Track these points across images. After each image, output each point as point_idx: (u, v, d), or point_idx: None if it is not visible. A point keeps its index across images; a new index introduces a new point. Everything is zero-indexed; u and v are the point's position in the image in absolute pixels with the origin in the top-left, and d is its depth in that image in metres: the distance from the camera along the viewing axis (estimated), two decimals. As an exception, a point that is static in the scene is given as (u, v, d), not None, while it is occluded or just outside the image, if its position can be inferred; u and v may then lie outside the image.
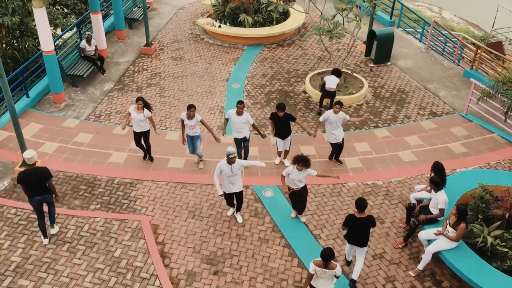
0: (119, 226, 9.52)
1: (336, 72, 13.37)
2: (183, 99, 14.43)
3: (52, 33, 17.35)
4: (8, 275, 8.40)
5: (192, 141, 10.97)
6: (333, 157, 11.63)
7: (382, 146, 12.37)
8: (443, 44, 18.35)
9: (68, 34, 18.82)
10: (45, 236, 9.01)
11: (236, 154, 9.01)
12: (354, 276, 8.48)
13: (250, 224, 9.84)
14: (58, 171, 11.01)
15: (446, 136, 12.78)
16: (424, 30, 18.84)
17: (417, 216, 9.27)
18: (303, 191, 9.51)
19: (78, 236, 9.24)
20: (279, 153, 11.51)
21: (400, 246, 9.39)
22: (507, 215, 8.71)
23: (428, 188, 9.56)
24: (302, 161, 9.06)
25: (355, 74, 15.48)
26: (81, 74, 14.56)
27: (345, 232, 8.47)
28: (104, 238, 9.24)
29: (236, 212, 9.92)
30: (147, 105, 10.76)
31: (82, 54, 15.18)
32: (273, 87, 15.17)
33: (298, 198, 9.60)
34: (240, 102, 10.53)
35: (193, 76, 15.71)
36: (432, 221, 9.05)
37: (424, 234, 8.96)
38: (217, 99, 14.48)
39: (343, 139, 11.27)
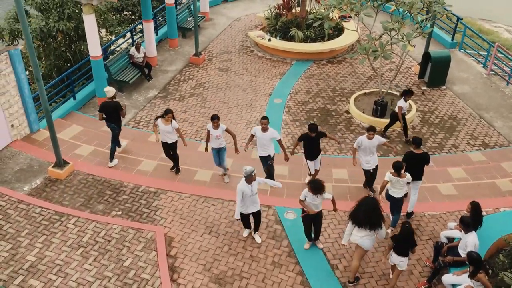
0: (134, 235, 9.53)
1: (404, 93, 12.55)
2: (222, 111, 14.38)
3: (108, 39, 18.06)
4: (21, 273, 8.62)
5: (218, 154, 10.84)
6: (366, 185, 11.05)
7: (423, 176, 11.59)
8: (510, 70, 17.04)
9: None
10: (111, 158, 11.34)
11: (254, 172, 8.76)
12: (410, 209, 9.99)
13: (266, 247, 9.51)
14: (88, 174, 11.27)
15: (494, 170, 11.79)
16: (489, 54, 17.66)
17: (444, 256, 8.55)
18: (318, 217, 9.09)
19: (93, 242, 9.34)
20: (310, 175, 11.09)
21: (423, 287, 8.68)
22: (544, 267, 7.80)
23: (461, 227, 8.80)
24: (312, 187, 8.63)
25: (403, 97, 14.72)
26: (127, 80, 14.92)
27: None
28: (117, 246, 9.28)
29: (254, 232, 9.64)
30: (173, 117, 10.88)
31: (131, 61, 15.58)
32: (316, 104, 14.78)
33: (312, 223, 9.17)
34: (264, 118, 10.29)
35: (236, 88, 15.65)
36: (460, 264, 8.31)
37: (449, 278, 8.24)
38: (256, 113, 14.30)
39: (376, 166, 10.68)
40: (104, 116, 11.34)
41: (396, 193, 9.48)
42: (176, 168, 11.41)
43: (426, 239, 9.75)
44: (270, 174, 10.90)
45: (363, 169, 10.78)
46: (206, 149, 10.97)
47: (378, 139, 10.46)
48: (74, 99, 14.15)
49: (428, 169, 11.81)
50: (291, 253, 9.37)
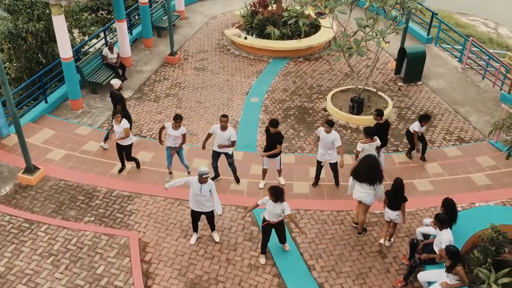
0: (107, 241, 9.33)
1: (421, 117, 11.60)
2: (199, 111, 14.20)
3: (80, 39, 17.71)
4: (-11, 284, 8.38)
5: (172, 154, 10.71)
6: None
7: (398, 172, 11.56)
8: (485, 64, 17.14)
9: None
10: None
11: (208, 175, 8.65)
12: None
13: (243, 249, 9.40)
14: (60, 179, 11.01)
15: (470, 165, 11.85)
16: (464, 48, 17.75)
17: (420, 253, 8.53)
18: (280, 225, 8.83)
19: (64, 249, 9.12)
20: (264, 173, 10.92)
21: (399, 285, 8.67)
22: (518, 261, 7.83)
23: (437, 223, 8.79)
24: (273, 193, 8.39)
25: (380, 93, 14.74)
26: (100, 81, 14.64)
27: None
28: (89, 253, 9.07)
29: (212, 231, 9.52)
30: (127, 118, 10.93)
31: (105, 62, 15.28)
32: (293, 102, 14.68)
33: (275, 231, 8.91)
34: (224, 116, 10.20)
35: (213, 88, 15.47)
36: (435, 261, 8.29)
37: (425, 275, 8.24)
38: (233, 112, 14.14)
39: (334, 163, 10.69)
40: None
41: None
42: (136, 163, 11.38)
43: (402, 236, 9.74)
44: (233, 172, 10.92)
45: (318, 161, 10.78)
46: (162, 142, 10.82)
47: (335, 135, 10.35)
48: (46, 102, 13.81)
49: (404, 166, 11.92)
50: (268, 255, 9.26)
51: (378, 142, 10.43)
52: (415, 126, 11.57)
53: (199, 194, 8.76)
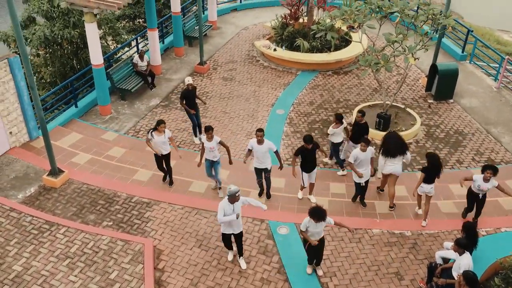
0: (122, 247, 9.42)
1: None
2: (223, 121, 14.27)
3: (114, 47, 18.14)
4: (5, 283, 8.56)
5: (211, 166, 10.72)
6: (358, 198, 10.86)
7: (422, 192, 11.28)
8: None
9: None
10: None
11: (239, 193, 8.42)
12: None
13: (256, 262, 9.31)
14: (83, 183, 11.23)
15: (498, 188, 11.39)
16: (501, 67, 17.21)
17: (438, 278, 8.24)
18: (321, 243, 8.64)
19: (81, 253, 9.26)
20: (302, 188, 10.90)
21: (415, 309, 8.40)
22: (541, 293, 7.45)
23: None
24: (315, 216, 8.19)
25: (408, 110, 14.43)
26: (129, 88, 14.91)
27: None
28: (105, 257, 9.17)
29: (239, 257, 9.24)
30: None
31: (135, 69, 15.58)
32: (318, 116, 14.56)
33: (316, 250, 8.70)
34: (259, 130, 10.14)
35: (239, 98, 15.52)
36: (453, 286, 7.97)
37: (441, 301, 7.93)
38: (257, 124, 14.13)
39: (367, 180, 10.53)
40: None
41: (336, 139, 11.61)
42: (170, 179, 11.29)
43: (421, 258, 9.45)
44: (267, 187, 10.84)
45: (355, 182, 10.63)
46: (200, 164, 10.78)
47: (372, 150, 10.36)
48: (76, 106, 14.18)
49: (429, 185, 11.57)
50: (281, 270, 9.15)
51: (345, 124, 11.49)
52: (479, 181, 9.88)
53: (232, 213, 8.46)
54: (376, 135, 13.37)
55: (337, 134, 11.53)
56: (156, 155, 10.91)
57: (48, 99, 15.63)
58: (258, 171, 10.63)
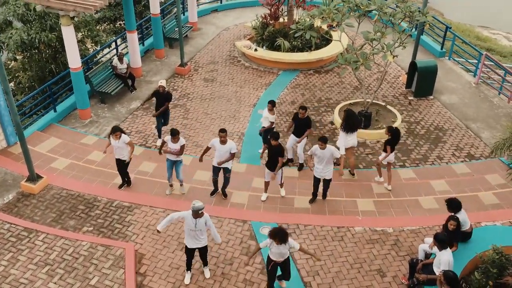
0: (103, 252, 9.30)
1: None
2: (205, 122, 14.20)
3: (93, 50, 17.95)
4: (-17, 292, 8.42)
5: (172, 166, 10.68)
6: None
7: (403, 188, 11.37)
8: (501, 79, 16.71)
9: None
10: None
11: (202, 210, 8.14)
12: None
13: (239, 263, 9.27)
14: (62, 188, 11.08)
15: (478, 183, 11.53)
16: (480, 63, 17.37)
17: (419, 273, 8.28)
18: (287, 262, 8.23)
19: (60, 259, 9.12)
20: (267, 185, 10.82)
21: (397, 305, 8.43)
22: (519, 286, 7.52)
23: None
24: (277, 237, 7.81)
25: (389, 107, 14.51)
26: (109, 91, 14.76)
27: None
28: (85, 263, 9.05)
29: (204, 266, 8.96)
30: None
31: (115, 72, 15.43)
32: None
33: (281, 269, 8.34)
34: (222, 131, 10.17)
35: (221, 99, 15.46)
36: (434, 282, 8.03)
37: (423, 296, 7.98)
38: (239, 124, 14.09)
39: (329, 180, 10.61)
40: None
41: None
42: (127, 180, 11.15)
43: (403, 255, 9.49)
44: (223, 186, 10.84)
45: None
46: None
47: (330, 150, 10.24)
48: (55, 111, 13.98)
49: (410, 182, 11.68)
50: (264, 270, 9.09)
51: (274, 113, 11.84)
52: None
53: (194, 229, 8.25)
54: (357, 133, 13.37)
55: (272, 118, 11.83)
56: (116, 159, 10.75)
57: (26, 104, 15.39)
58: (217, 169, 10.59)
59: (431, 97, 15.63)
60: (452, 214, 8.78)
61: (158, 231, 8.48)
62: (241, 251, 9.55)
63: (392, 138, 10.92)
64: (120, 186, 11.13)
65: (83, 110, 14.08)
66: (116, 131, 10.36)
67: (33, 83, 16.64)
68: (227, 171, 10.54)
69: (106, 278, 8.76)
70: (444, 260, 7.88)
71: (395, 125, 13.58)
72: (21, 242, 9.48)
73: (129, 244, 9.51)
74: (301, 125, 11.59)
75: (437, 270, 8.02)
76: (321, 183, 10.68)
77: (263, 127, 12.07)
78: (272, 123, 11.94)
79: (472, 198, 10.91)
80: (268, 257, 8.15)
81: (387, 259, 9.40)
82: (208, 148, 10.59)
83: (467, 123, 14.26)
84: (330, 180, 10.58)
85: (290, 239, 7.94)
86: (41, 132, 13.25)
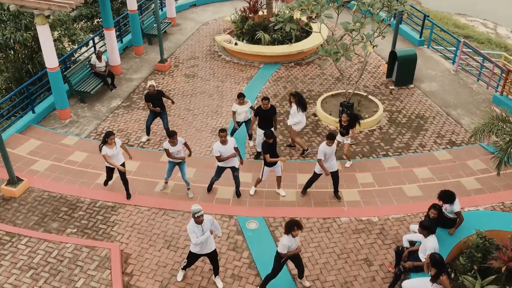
0: (88, 253, 9.19)
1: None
2: (187, 118, 14.09)
3: (71, 48, 17.66)
4: (-34, 300, 8.25)
5: (173, 168, 10.51)
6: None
7: (387, 177, 11.44)
8: (479, 65, 16.89)
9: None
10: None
11: (202, 212, 7.84)
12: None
13: (226, 259, 9.24)
14: (44, 190, 10.90)
15: (460, 169, 11.66)
16: (459, 50, 17.54)
17: (405, 261, 8.35)
18: (298, 254, 8.30)
19: (44, 262, 8.99)
20: (257, 182, 10.77)
21: (385, 293, 8.49)
22: (503, 268, 7.62)
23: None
24: (297, 225, 7.77)
25: (370, 97, 14.57)
26: (88, 90, 14.54)
27: None
28: (70, 266, 8.94)
29: (215, 276, 8.69)
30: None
31: (93, 70, 15.21)
32: (283, 108, 14.53)
33: (295, 263, 8.41)
34: (222, 130, 9.99)
35: (202, 94, 15.35)
36: (421, 269, 8.10)
37: (409, 283, 8.05)
38: (222, 119, 14.02)
39: (337, 171, 10.52)
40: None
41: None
42: (126, 193, 10.67)
43: (389, 243, 9.57)
44: (236, 186, 10.72)
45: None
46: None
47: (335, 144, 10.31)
48: (33, 112, 13.73)
49: (393, 171, 11.75)
50: (252, 265, 9.11)
51: (249, 104, 12.07)
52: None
53: (203, 234, 7.95)
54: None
55: (240, 111, 11.99)
56: (107, 167, 10.40)
57: (3, 106, 15.09)
58: (221, 169, 10.45)
59: (412, 85, 15.75)
60: (435, 203, 8.81)
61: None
62: (228, 246, 9.52)
63: (352, 122, 11.38)
64: (106, 183, 10.88)
65: (62, 110, 13.85)
66: (110, 135, 9.91)
67: (10, 85, 16.31)
68: (234, 169, 10.39)
69: (92, 280, 8.65)
70: (429, 247, 7.96)
71: (377, 114, 13.68)
72: (4, 246, 9.32)
73: (114, 244, 9.41)
74: (267, 115, 11.59)
75: (423, 256, 8.10)
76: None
77: (238, 122, 12.17)
78: (252, 107, 12.20)
79: (454, 184, 11.03)
80: (280, 254, 8.02)
81: (373, 248, 9.47)
82: (218, 159, 10.17)
83: (448, 110, 14.40)
84: (337, 171, 10.45)
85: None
86: (20, 134, 13.00)
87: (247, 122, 12.28)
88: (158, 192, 10.93)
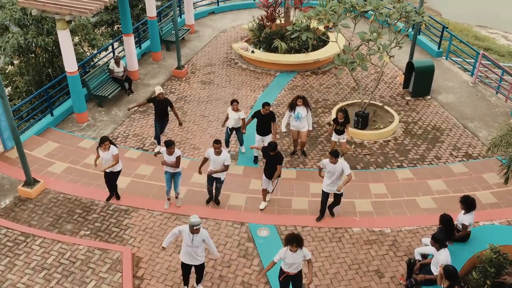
0: (100, 256, 9.29)
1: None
2: (202, 125, 14.19)
3: (90, 53, 17.97)
4: (-20, 298, 8.40)
5: (171, 178, 10.39)
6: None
7: (401, 188, 11.36)
8: (498, 78, 16.69)
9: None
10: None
11: (200, 226, 7.89)
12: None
13: (236, 266, 9.25)
14: (59, 192, 11.06)
15: (476, 182, 11.52)
16: (477, 62, 17.37)
17: (417, 274, 8.26)
18: (299, 276, 8.01)
19: (57, 263, 9.11)
20: (264, 193, 10.63)
21: (396, 306, 8.41)
22: (517, 285, 7.50)
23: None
24: (295, 242, 7.56)
25: (386, 107, 14.50)
26: (106, 95, 14.75)
27: None
28: (82, 267, 9.04)
29: (197, 284, 8.68)
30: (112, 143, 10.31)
31: (111, 75, 15.43)
32: (297, 117, 14.52)
33: (292, 284, 8.06)
34: (217, 142, 9.95)
35: (218, 101, 15.45)
36: (432, 282, 8.02)
37: (421, 297, 7.96)
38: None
39: (339, 195, 10.10)
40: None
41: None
42: (115, 194, 10.80)
43: (401, 255, 9.48)
44: (215, 195, 10.67)
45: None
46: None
47: (341, 165, 9.77)
48: (52, 115, 13.97)
49: (407, 182, 11.67)
50: (262, 272, 9.08)
51: (242, 113, 12.02)
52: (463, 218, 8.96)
53: (190, 245, 7.99)
54: (355, 134, 13.40)
55: (232, 117, 11.97)
56: (105, 172, 10.42)
57: (23, 108, 15.39)
58: (211, 178, 10.41)
59: (429, 97, 15.63)
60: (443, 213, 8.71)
61: (163, 247, 8.31)
62: (239, 253, 9.54)
63: (346, 118, 11.62)
64: (108, 199, 10.81)
65: (80, 114, 14.07)
66: (104, 141, 10.00)
67: (30, 88, 16.64)
68: (218, 181, 10.39)
69: (104, 282, 8.74)
70: (442, 260, 7.87)
71: (392, 125, 13.60)
72: (18, 247, 9.47)
73: (126, 248, 9.50)
74: (265, 120, 11.64)
75: (435, 270, 8.01)
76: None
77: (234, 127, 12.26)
78: (243, 119, 12.14)
79: (470, 198, 10.87)
80: (281, 268, 7.93)
81: (385, 259, 9.39)
82: (205, 159, 10.33)
83: (465, 123, 14.25)
84: (341, 195, 10.06)
85: (304, 248, 7.74)
86: (38, 136, 13.23)
87: (238, 130, 12.29)
88: (171, 197, 10.99)
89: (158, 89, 12.38)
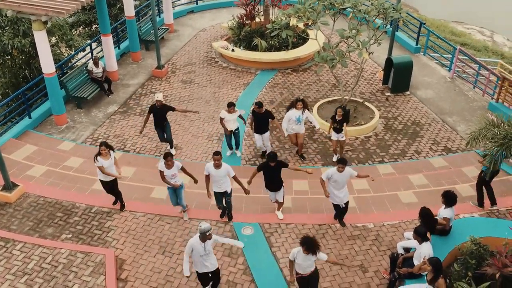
0: (83, 259, 9.18)
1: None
2: (184, 124, 14.11)
3: (68, 54, 17.71)
4: (-41, 305, 8.23)
5: (174, 192, 9.97)
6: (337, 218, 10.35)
7: (382, 184, 11.46)
8: (475, 73, 16.98)
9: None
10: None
11: (210, 232, 7.67)
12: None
13: (221, 265, 9.21)
14: (39, 196, 10.89)
15: (455, 175, 11.70)
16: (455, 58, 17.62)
17: (400, 268, 8.36)
18: (314, 276, 7.94)
19: (39, 268, 8.97)
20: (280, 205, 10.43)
21: (380, 300, 8.49)
22: (497, 275, 7.63)
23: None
24: (307, 246, 7.46)
25: (366, 103, 14.62)
26: (85, 96, 14.56)
27: None
28: (64, 271, 8.92)
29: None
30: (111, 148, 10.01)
31: (90, 76, 15.23)
32: (279, 114, 14.56)
33: (307, 285, 8.03)
34: (216, 153, 9.37)
35: (199, 100, 15.39)
36: (415, 275, 8.11)
37: (404, 290, 8.04)
38: (218, 125, 13.98)
39: (347, 202, 9.97)
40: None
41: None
42: (120, 204, 10.56)
43: (384, 249, 9.57)
44: (228, 210, 10.26)
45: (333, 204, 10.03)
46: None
47: (350, 171, 9.67)
48: (30, 117, 13.74)
49: (389, 177, 11.78)
50: (247, 271, 9.11)
51: (238, 113, 12.12)
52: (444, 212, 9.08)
53: (204, 253, 7.76)
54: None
55: (229, 118, 12.01)
56: (101, 181, 10.14)
57: (0, 111, 15.08)
58: (219, 195, 9.93)
59: (408, 92, 15.81)
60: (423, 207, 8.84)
61: (187, 277, 8.08)
62: (223, 253, 9.51)
63: (345, 117, 11.82)
64: (115, 202, 10.58)
65: (58, 116, 13.87)
66: (102, 145, 9.66)
67: (7, 90, 16.33)
68: (227, 195, 9.85)
69: (87, 286, 8.64)
70: (424, 253, 7.97)
71: (373, 121, 13.72)
72: (-2, 252, 9.30)
73: (109, 250, 9.40)
74: (261, 119, 11.79)
75: (417, 263, 8.10)
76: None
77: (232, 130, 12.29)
78: (240, 116, 12.39)
79: (450, 191, 11.04)
80: (296, 270, 7.88)
81: (368, 254, 9.47)
82: (207, 177, 9.64)
83: (443, 117, 14.46)
84: (347, 202, 9.93)
85: (320, 253, 7.62)
86: (16, 139, 13.01)
87: (235, 132, 12.28)
88: (153, 198, 10.92)
89: (157, 96, 11.96)
